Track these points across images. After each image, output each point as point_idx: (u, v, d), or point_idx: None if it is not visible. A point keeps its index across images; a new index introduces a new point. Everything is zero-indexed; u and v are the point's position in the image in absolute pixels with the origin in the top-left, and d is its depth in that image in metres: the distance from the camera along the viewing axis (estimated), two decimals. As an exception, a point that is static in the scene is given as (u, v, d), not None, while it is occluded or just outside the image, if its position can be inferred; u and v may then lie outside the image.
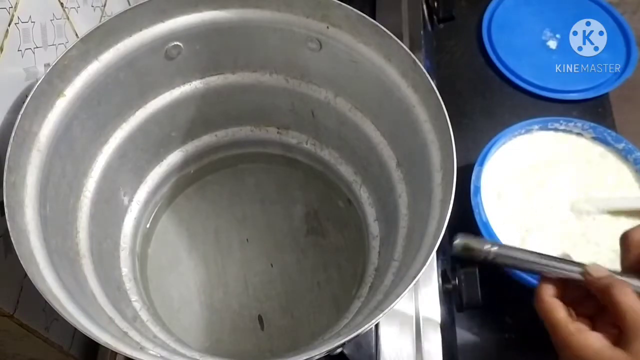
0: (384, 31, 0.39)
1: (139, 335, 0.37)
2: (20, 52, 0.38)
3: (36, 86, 0.35)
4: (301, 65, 0.47)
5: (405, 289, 0.32)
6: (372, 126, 0.47)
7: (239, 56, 0.47)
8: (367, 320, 0.32)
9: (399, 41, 0.39)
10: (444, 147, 0.37)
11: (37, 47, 0.40)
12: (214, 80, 0.49)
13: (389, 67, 0.41)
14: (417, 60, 0.38)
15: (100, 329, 0.31)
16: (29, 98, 0.35)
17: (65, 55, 0.37)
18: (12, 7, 0.36)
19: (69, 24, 0.44)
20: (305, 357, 0.32)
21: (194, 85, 0.49)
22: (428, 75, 0.37)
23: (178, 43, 0.44)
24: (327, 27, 0.42)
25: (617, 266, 0.51)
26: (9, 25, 0.36)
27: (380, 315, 0.32)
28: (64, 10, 0.43)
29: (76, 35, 0.45)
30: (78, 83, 0.39)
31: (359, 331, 0.31)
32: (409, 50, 0.38)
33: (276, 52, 0.46)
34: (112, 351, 0.35)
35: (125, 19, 0.39)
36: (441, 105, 0.36)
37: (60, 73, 0.37)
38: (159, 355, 0.33)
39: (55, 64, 0.37)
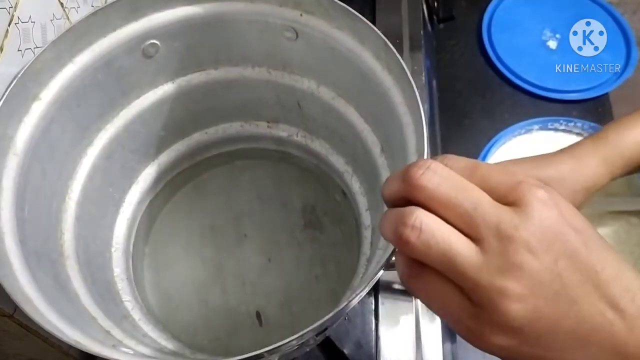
0: (355, 14, 0.38)
1: (122, 334, 0.37)
2: (20, 52, 0.38)
3: (8, 90, 0.35)
4: (281, 56, 0.46)
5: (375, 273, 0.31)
6: (356, 113, 0.46)
7: (219, 51, 0.47)
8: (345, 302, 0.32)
9: (369, 23, 0.38)
10: (418, 129, 0.35)
11: (37, 47, 0.39)
12: (197, 76, 0.49)
13: (363, 51, 0.40)
14: (387, 42, 0.37)
15: (71, 326, 0.31)
16: (1, 102, 0.35)
17: (37, 58, 0.37)
18: (12, 7, 0.36)
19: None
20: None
21: (177, 82, 0.48)
22: (399, 56, 0.36)
23: (154, 41, 0.43)
24: (301, 15, 0.41)
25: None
26: (9, 25, 0.36)
27: (354, 296, 0.31)
28: (64, 10, 0.44)
29: (76, 35, 0.46)
30: (54, 86, 0.39)
31: (336, 311, 0.31)
32: (379, 32, 0.37)
33: (254, 44, 0.46)
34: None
35: (96, 20, 0.39)
36: (412, 85, 0.35)
37: (34, 77, 0.37)
38: (131, 353, 0.33)
39: (28, 67, 0.37)
